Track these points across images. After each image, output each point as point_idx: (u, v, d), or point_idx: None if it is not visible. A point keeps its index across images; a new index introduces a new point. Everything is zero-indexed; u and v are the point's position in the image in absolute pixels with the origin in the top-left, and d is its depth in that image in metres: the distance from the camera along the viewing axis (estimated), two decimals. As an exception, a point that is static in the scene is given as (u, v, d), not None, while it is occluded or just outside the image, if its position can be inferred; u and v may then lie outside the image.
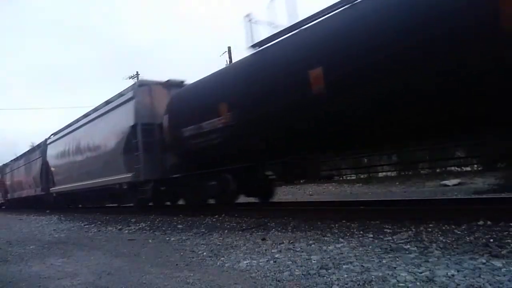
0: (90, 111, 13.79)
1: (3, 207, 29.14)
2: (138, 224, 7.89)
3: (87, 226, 8.75)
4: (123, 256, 4.49)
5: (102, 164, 11.70)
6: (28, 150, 22.48)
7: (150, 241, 5.52)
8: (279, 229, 5.24)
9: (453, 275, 2.52)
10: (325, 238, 4.25)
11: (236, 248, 4.23)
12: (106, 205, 15.46)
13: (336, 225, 4.99)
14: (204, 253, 4.14)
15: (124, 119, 10.30)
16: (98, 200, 14.83)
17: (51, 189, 17.15)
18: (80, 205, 17.62)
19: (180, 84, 10.28)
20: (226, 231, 5.64)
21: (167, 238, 5.54)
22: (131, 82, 28.55)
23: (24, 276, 3.84)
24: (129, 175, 9.92)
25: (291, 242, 4.17)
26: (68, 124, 15.82)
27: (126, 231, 6.99)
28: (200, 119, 7.85)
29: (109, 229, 7.70)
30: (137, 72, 32.20)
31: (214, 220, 7.06)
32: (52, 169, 16.94)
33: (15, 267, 4.31)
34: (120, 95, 11.21)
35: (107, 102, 12.30)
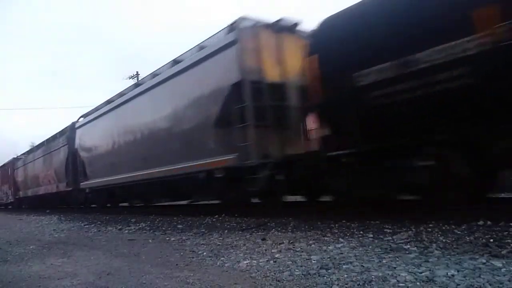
0: (146, 77, 10.50)
1: (10, 206, 27.04)
2: (138, 224, 7.89)
3: (87, 226, 8.74)
4: (123, 256, 4.49)
5: (176, 145, 8.58)
6: (47, 139, 18.74)
7: (150, 241, 5.51)
8: (279, 229, 5.24)
9: (453, 275, 2.52)
10: (325, 238, 4.25)
11: (236, 248, 4.23)
12: (167, 204, 12.13)
13: (336, 225, 4.99)
14: (204, 253, 4.14)
15: (219, 75, 7.28)
16: (159, 196, 11.05)
17: (81, 183, 13.79)
18: (124, 203, 13.73)
19: (293, 27, 7.33)
20: (226, 231, 5.64)
21: (167, 238, 5.54)
22: (131, 82, 28.47)
23: (24, 276, 3.84)
24: (230, 157, 6.99)
25: (291, 242, 4.17)
26: (108, 101, 12.36)
27: (126, 231, 6.99)
28: (411, 47, 4.53)
29: (109, 229, 7.70)
30: (137, 72, 32.18)
31: (214, 220, 7.05)
32: (84, 159, 13.58)
33: (15, 267, 4.31)
34: (205, 47, 7.84)
35: (175, 62, 8.90)
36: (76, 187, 14.39)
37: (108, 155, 11.81)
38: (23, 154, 24.65)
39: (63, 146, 15.67)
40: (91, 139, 13.10)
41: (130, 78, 32.85)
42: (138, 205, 12.81)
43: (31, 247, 5.86)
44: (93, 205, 14.91)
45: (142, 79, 10.82)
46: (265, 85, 6.82)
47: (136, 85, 10.79)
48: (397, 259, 3.08)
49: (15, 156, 26.08)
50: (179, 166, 8.31)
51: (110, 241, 5.88)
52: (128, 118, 10.63)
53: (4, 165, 27.92)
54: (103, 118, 12.20)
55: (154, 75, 9.83)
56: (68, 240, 6.43)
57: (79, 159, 13.87)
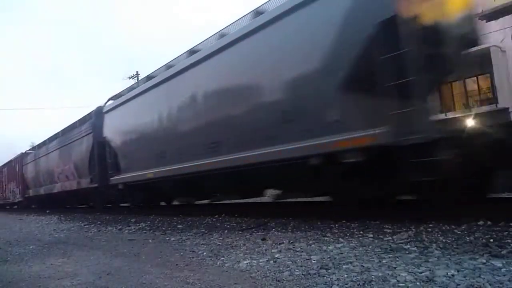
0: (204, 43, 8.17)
1: (15, 206, 25.06)
2: (138, 224, 7.89)
3: (87, 226, 8.74)
4: (123, 256, 4.49)
5: (266, 121, 6.32)
6: (64, 129, 16.09)
7: (150, 241, 5.51)
8: (279, 229, 5.24)
9: (453, 275, 2.52)
10: (325, 238, 4.25)
11: (236, 248, 4.23)
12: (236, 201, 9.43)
13: (336, 225, 4.99)
14: (204, 253, 4.14)
15: (351, 11, 5.14)
16: (223, 192, 8.78)
17: (112, 178, 11.36)
18: (175, 202, 11.33)
19: None
20: (226, 231, 5.64)
21: (167, 238, 5.54)
22: (131, 82, 28.38)
23: (24, 276, 3.84)
24: (376, 131, 4.81)
25: (291, 242, 4.17)
26: (149, 76, 10.24)
27: (126, 231, 6.99)
28: None
29: (109, 229, 7.70)
30: (137, 72, 32.20)
31: (214, 220, 7.06)
32: (116, 149, 11.22)
33: (15, 267, 4.31)
34: None
35: (258, 13, 6.81)
36: (104, 183, 11.84)
37: (153, 142, 9.28)
38: (32, 148, 22.37)
39: (87, 135, 13.12)
40: (127, 124, 10.46)
41: (130, 78, 32.89)
42: (183, 203, 10.70)
43: (31, 247, 5.86)
44: (124, 204, 12.97)
45: (197, 45, 8.35)
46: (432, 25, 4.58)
47: (191, 52, 8.37)
48: (397, 259, 3.08)
49: (26, 150, 23.46)
50: (272, 150, 6.09)
51: (110, 241, 5.88)
52: (184, 93, 8.09)
53: (10, 161, 25.49)
54: (144, 97, 9.62)
55: (220, 35, 7.72)
56: (68, 240, 6.43)
57: (109, 150, 11.41)
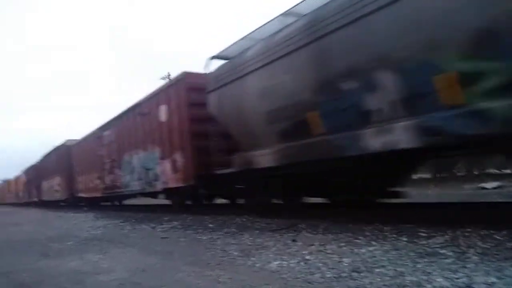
0: None
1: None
2: (170, 223, 8.05)
3: (122, 223, 9.00)
4: (156, 253, 4.60)
5: None
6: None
7: (182, 239, 5.62)
8: (309, 230, 5.21)
9: (493, 283, 2.42)
10: (357, 241, 4.18)
11: (266, 249, 4.23)
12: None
13: (368, 228, 4.90)
14: (235, 253, 4.18)
15: None
16: None
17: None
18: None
19: None
20: (257, 231, 5.66)
21: (199, 237, 5.62)
22: (163, 82, 28.76)
23: (63, 270, 4.00)
24: None
25: (322, 244, 4.14)
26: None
27: (159, 229, 7.15)
28: None
29: (142, 227, 7.90)
30: (168, 73, 32.80)
31: (244, 220, 7.10)
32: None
33: (55, 262, 4.50)
34: None
35: None
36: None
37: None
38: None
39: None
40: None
41: (162, 78, 33.57)
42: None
43: (69, 243, 6.10)
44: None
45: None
46: None
47: None
48: (433, 264, 2.99)
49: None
50: None
51: (144, 239, 6.03)
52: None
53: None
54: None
55: None
56: (104, 237, 6.65)
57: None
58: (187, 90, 9.61)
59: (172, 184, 10.30)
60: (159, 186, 11.06)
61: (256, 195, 7.97)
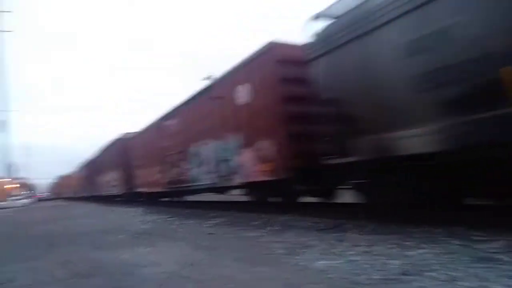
0: None
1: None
2: (217, 219, 8.20)
3: (170, 218, 9.29)
4: (203, 248, 4.71)
5: None
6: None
7: (228, 235, 5.71)
8: (356, 231, 5.11)
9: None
10: (406, 243, 4.05)
11: (311, 248, 4.21)
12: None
13: (418, 230, 4.72)
14: (280, 251, 4.19)
15: None
16: None
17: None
18: None
19: None
20: (302, 230, 5.64)
21: (244, 234, 5.69)
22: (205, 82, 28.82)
23: (115, 262, 4.21)
24: None
25: (369, 245, 4.04)
26: None
27: (206, 225, 7.31)
28: None
29: (190, 222, 8.11)
30: (209, 75, 33.25)
31: (289, 218, 7.09)
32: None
33: (108, 254, 4.74)
34: None
35: None
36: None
37: None
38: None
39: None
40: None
41: (204, 79, 34.14)
42: None
43: (121, 236, 6.40)
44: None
45: None
46: None
47: None
48: (489, 269, 2.84)
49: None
50: None
51: (192, 234, 6.20)
52: None
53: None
54: None
55: None
56: (153, 231, 6.90)
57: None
58: (276, 63, 7.79)
59: (255, 178, 8.52)
60: (237, 180, 9.28)
61: (388, 193, 5.74)
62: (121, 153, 19.84)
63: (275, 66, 7.80)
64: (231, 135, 9.41)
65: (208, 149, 10.67)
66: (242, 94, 8.91)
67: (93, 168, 28.91)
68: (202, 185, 11.24)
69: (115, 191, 21.71)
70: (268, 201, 9.12)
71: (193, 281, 3.17)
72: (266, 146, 8.09)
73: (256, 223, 6.94)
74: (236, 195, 11.19)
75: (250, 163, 8.67)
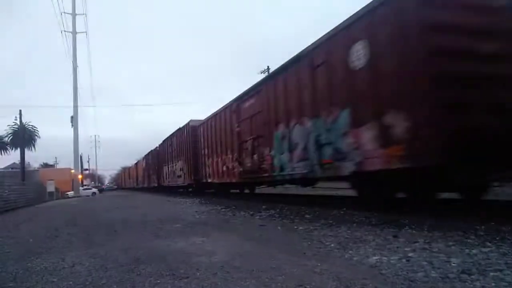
0: None
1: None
2: (268, 211, 8.25)
3: (224, 210, 9.49)
4: (254, 240, 4.76)
5: None
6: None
7: (279, 228, 5.72)
8: (413, 226, 4.89)
9: None
10: (468, 241, 3.81)
11: (365, 243, 4.09)
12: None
13: (482, 226, 4.42)
14: (332, 245, 4.12)
15: None
16: None
17: None
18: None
19: None
20: (355, 224, 5.50)
21: (295, 227, 5.67)
22: (262, 76, 28.91)
23: (171, 250, 4.37)
24: None
25: (427, 242, 3.85)
26: None
27: (257, 217, 7.37)
28: None
29: (242, 214, 8.23)
30: (268, 66, 33.44)
31: (342, 212, 6.94)
32: None
33: (165, 242, 4.93)
34: None
35: None
36: None
37: None
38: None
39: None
40: None
41: (261, 72, 34.36)
42: None
43: (177, 225, 6.63)
44: None
45: None
46: None
47: None
48: None
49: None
50: None
51: (243, 225, 6.28)
52: None
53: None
54: None
55: None
56: (207, 222, 7.08)
57: None
58: (419, 4, 5.65)
59: (377, 165, 6.36)
60: (347, 168, 7.05)
61: None
62: (188, 141, 18.74)
63: (417, 7, 5.70)
64: (340, 110, 7.32)
65: (303, 130, 8.68)
66: (360, 54, 6.82)
67: (158, 158, 28.65)
68: (292, 174, 9.22)
69: (180, 182, 20.76)
70: (394, 198, 7.00)
71: (244, 271, 3.21)
72: (397, 120, 5.93)
73: (308, 216, 6.88)
74: (338, 189, 9.51)
75: (368, 145, 6.54)
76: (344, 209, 7.24)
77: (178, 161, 21.25)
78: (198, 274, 3.21)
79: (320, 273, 3.02)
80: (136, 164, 48.21)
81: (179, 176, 20.86)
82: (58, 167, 69.83)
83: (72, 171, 41.50)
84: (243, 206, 10.09)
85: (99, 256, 4.24)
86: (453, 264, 2.96)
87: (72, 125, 36.66)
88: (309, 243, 4.34)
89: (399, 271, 2.90)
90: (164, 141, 26.07)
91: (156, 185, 30.08)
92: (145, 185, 37.60)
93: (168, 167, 24.49)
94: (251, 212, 8.31)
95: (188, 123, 18.98)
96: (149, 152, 34.29)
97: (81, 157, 47.47)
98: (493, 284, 2.45)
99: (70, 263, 4.01)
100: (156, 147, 29.62)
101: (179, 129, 20.94)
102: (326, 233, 4.92)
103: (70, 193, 39.66)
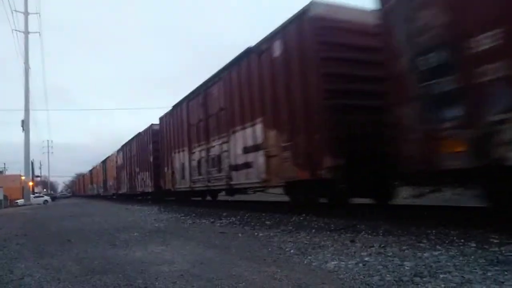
0: None
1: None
2: (228, 218, 8.22)
3: (183, 217, 9.35)
4: (215, 247, 4.72)
5: None
6: None
7: (239, 235, 5.71)
8: (369, 232, 5.05)
9: None
10: (420, 245, 3.98)
11: (323, 248, 4.18)
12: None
13: (433, 231, 4.64)
14: (292, 251, 4.17)
15: None
16: None
17: None
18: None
19: None
20: (314, 230, 5.60)
21: (256, 233, 5.68)
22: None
23: (129, 260, 4.25)
24: None
25: (382, 246, 3.99)
26: None
27: (218, 224, 7.33)
28: None
29: (202, 221, 8.14)
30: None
31: (301, 218, 7.05)
32: None
33: (122, 251, 4.78)
34: None
35: None
36: None
37: None
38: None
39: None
40: None
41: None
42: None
43: (135, 234, 6.46)
44: None
45: None
46: None
47: None
48: (506, 272, 2.77)
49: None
50: None
51: (204, 233, 6.22)
52: None
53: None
54: None
55: None
56: (166, 230, 6.95)
57: None
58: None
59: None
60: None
61: None
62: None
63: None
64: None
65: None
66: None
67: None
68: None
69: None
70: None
71: (204, 279, 3.17)
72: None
73: (268, 223, 6.92)
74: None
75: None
76: (304, 215, 7.36)
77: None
78: (157, 283, 3.14)
79: (280, 279, 3.04)
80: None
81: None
82: (7, 173, 66.17)
83: (23, 177, 39.40)
84: (204, 214, 10.00)
85: (51, 267, 4.04)
86: (407, 268, 3.08)
87: (23, 129, 34.76)
88: (269, 249, 4.37)
89: (356, 275, 2.99)
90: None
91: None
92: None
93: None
94: (212, 220, 8.25)
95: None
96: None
97: (32, 163, 45.20)
98: (443, 285, 2.58)
99: (19, 275, 3.79)
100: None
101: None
102: (286, 239, 4.97)
103: (20, 201, 37.60)
